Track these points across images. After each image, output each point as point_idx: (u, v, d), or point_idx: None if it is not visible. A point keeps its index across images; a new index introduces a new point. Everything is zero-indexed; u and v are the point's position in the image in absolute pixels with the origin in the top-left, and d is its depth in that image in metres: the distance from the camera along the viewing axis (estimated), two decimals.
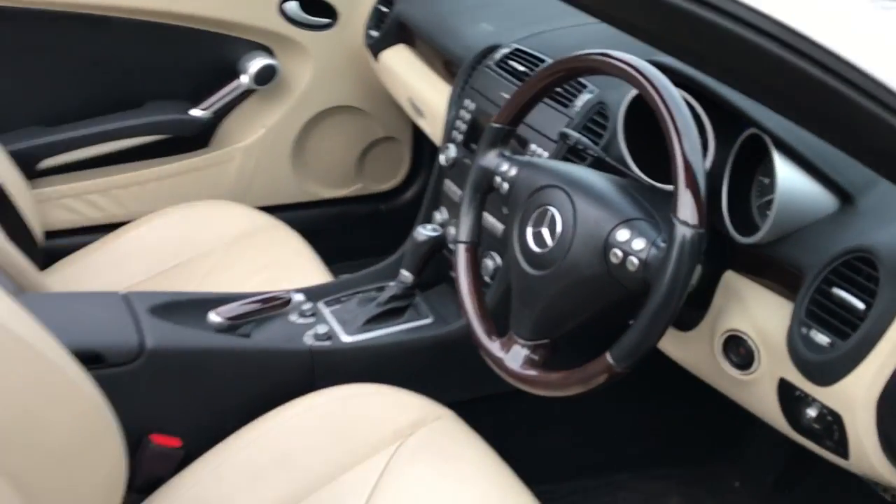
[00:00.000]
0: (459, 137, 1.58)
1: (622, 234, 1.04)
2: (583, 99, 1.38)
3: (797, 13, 0.80)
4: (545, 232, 1.12)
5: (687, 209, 0.98)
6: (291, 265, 1.77)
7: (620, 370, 1.02)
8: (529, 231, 1.14)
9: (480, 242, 1.26)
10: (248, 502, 1.26)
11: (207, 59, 1.96)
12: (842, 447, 1.05)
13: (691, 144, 0.99)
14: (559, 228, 1.10)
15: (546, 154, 1.39)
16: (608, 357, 1.02)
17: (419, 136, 2.16)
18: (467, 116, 1.57)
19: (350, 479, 1.27)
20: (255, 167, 2.08)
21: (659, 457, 1.66)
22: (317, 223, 2.12)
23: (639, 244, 1.03)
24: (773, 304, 1.10)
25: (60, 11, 1.80)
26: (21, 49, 1.80)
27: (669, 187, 1.11)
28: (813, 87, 0.79)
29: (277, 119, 2.06)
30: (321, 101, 2.07)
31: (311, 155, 2.15)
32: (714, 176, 1.16)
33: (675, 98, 1.02)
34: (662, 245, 1.01)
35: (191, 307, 1.41)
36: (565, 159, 1.35)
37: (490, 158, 1.23)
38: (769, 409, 1.13)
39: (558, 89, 1.39)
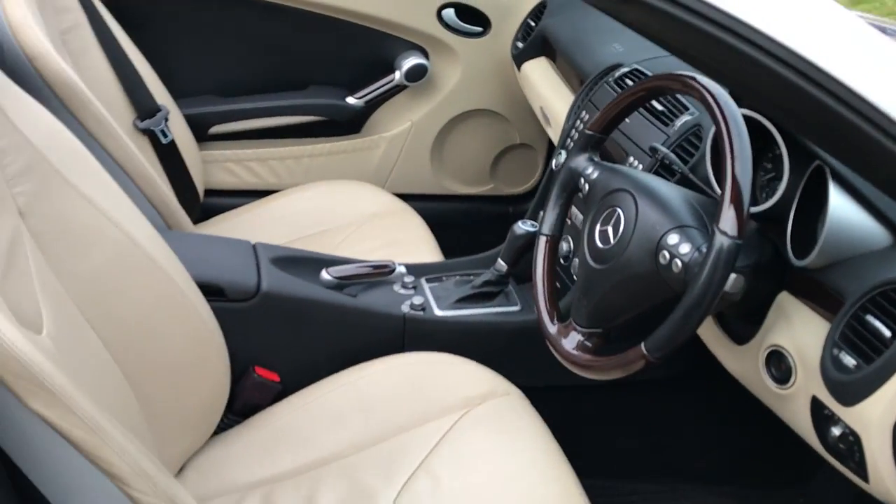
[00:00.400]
0: (571, 145, 1.71)
1: (672, 238, 1.14)
2: (682, 120, 1.48)
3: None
4: (610, 230, 1.24)
5: (728, 221, 1.07)
6: (411, 246, 1.94)
7: (653, 360, 1.12)
8: (597, 228, 1.26)
9: (561, 236, 1.39)
10: (327, 438, 1.43)
11: (367, 53, 2.17)
12: (862, 469, 1.11)
13: (743, 165, 1.09)
14: (621, 228, 1.21)
15: (641, 166, 1.50)
16: (643, 347, 1.13)
17: (553, 146, 2.29)
18: (580, 126, 1.70)
19: (416, 434, 1.42)
20: (397, 156, 2.27)
21: (726, 474, 1.72)
22: (446, 216, 2.28)
23: (684, 248, 1.13)
24: (814, 324, 1.16)
25: None
26: (206, 28, 2.06)
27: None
28: (844, 126, 0.88)
29: (423, 115, 2.24)
30: (465, 103, 2.25)
31: (449, 151, 2.32)
32: (785, 201, 1.24)
33: (738, 122, 1.11)
34: (704, 251, 1.10)
35: (308, 263, 1.60)
36: (656, 173, 1.45)
37: (579, 161, 1.36)
38: (803, 425, 1.20)
39: (661, 108, 1.50)
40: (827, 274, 1.16)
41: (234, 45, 2.10)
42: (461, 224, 2.34)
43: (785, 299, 1.24)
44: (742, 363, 1.31)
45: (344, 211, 2.08)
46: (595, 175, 1.31)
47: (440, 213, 2.26)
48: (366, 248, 1.89)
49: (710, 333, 1.38)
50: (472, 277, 1.66)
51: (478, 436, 1.41)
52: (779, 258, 1.24)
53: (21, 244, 1.10)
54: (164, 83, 2.00)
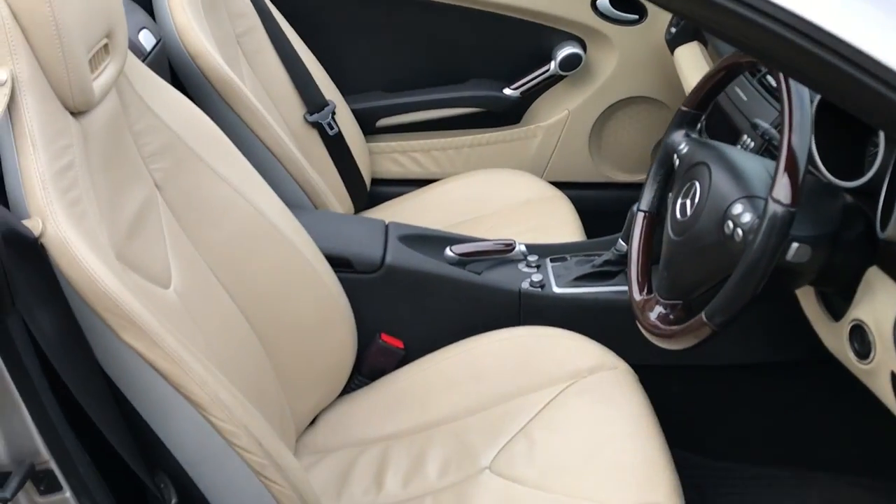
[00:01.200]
0: None
1: (737, 208, 1.16)
2: None
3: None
4: (688, 202, 1.26)
5: (782, 189, 1.08)
6: (555, 231, 2.02)
7: (715, 326, 1.14)
8: (679, 201, 1.29)
9: (659, 213, 1.42)
10: (441, 401, 1.55)
11: (524, 45, 2.26)
12: None
13: (800, 137, 1.09)
14: (696, 200, 1.24)
15: (753, 144, 1.49)
16: (703, 315, 1.15)
17: None
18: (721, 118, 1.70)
19: (523, 402, 1.50)
20: (554, 145, 2.35)
21: (858, 464, 1.65)
22: (601, 203, 2.32)
23: (746, 217, 1.14)
24: (895, 298, 1.13)
25: None
26: (371, 27, 2.24)
27: (838, 181, 1.20)
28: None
29: (580, 103, 2.30)
30: (622, 91, 2.28)
31: (607, 139, 2.36)
32: (879, 177, 1.21)
33: (801, 96, 1.11)
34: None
35: (435, 241, 1.73)
36: (766, 151, 1.45)
37: (675, 138, 1.39)
38: (888, 401, 1.17)
39: (776, 86, 1.48)
40: None
41: (399, 42, 2.26)
42: (618, 212, 2.37)
43: (873, 273, 1.20)
44: (834, 339, 1.28)
45: (499, 198, 2.19)
46: (685, 150, 1.34)
47: (596, 201, 2.30)
48: (511, 232, 1.98)
49: (812, 311, 1.36)
50: (594, 257, 1.71)
51: (579, 405, 1.47)
52: (871, 233, 1.21)
53: (154, 212, 1.30)
54: (333, 80, 2.20)
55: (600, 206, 2.26)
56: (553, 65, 2.25)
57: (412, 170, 2.37)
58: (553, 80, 2.29)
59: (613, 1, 2.19)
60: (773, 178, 1.09)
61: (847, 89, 0.85)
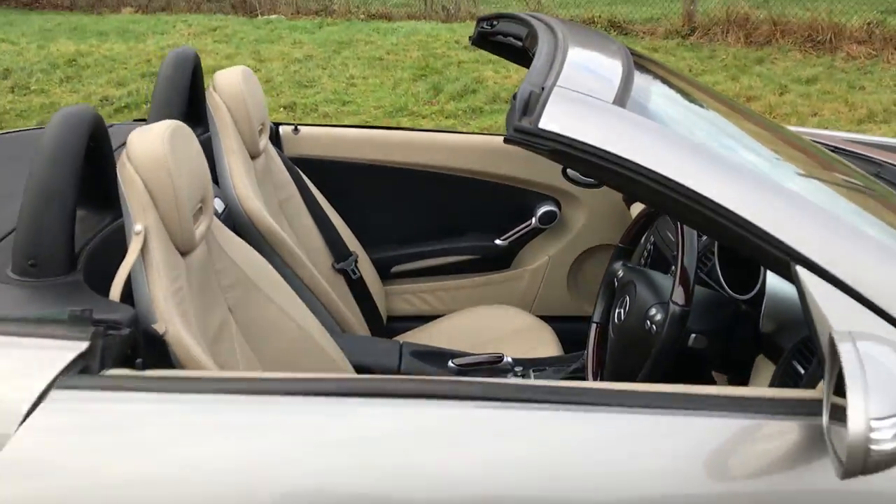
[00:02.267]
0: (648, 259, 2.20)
1: (653, 311, 1.62)
2: (703, 240, 1.95)
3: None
4: (622, 311, 1.72)
5: (679, 295, 1.54)
6: (541, 351, 2.46)
7: None
8: (616, 311, 1.75)
9: (608, 323, 1.87)
10: None
11: (510, 205, 2.78)
12: None
13: (689, 259, 1.56)
14: (627, 308, 1.70)
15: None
16: None
17: None
18: (651, 248, 2.18)
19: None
20: (539, 285, 2.83)
21: None
22: (580, 332, 2.76)
23: (658, 316, 1.60)
24: (768, 371, 1.58)
25: (414, 168, 2.74)
26: (386, 193, 2.77)
27: (735, 295, 1.67)
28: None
29: (558, 251, 2.80)
30: (592, 240, 2.78)
31: (582, 279, 2.84)
32: (761, 290, 1.68)
33: (691, 235, 1.59)
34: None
35: (439, 356, 2.18)
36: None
37: (614, 267, 1.87)
38: None
39: None
40: (776, 335, 1.58)
41: (408, 204, 2.78)
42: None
43: (760, 360, 1.66)
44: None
45: (494, 329, 2.64)
46: (621, 275, 1.81)
47: (574, 330, 2.75)
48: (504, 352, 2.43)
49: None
50: (568, 366, 2.16)
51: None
52: (758, 330, 1.66)
53: (229, 328, 1.76)
54: (355, 235, 2.70)
55: (578, 335, 2.70)
56: (534, 220, 2.76)
57: (421, 307, 2.84)
58: (535, 232, 2.80)
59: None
60: (672, 288, 1.55)
61: (715, 231, 1.31)
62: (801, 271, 1.26)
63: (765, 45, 8.49)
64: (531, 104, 1.33)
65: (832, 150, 2.22)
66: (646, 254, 2.10)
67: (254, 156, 2.30)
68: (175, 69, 2.22)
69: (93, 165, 1.59)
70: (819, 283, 1.25)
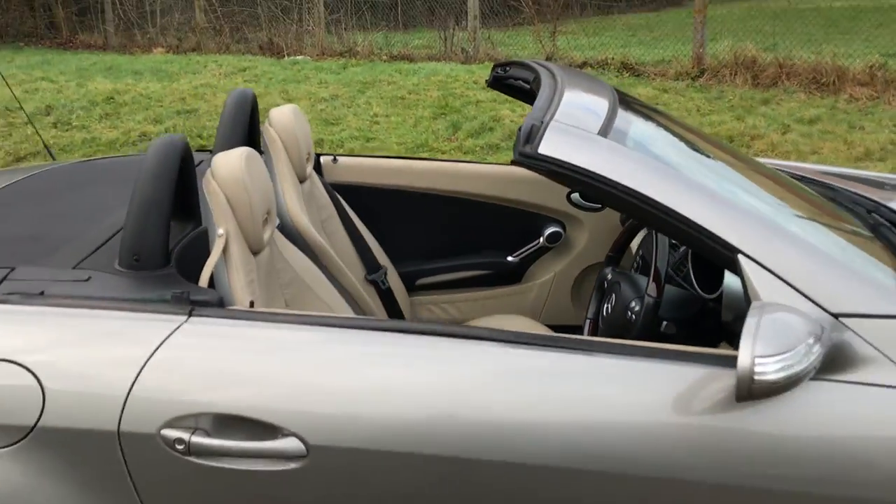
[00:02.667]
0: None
1: (633, 304, 2.00)
2: (681, 250, 2.33)
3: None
4: (609, 307, 2.11)
5: (652, 289, 1.92)
6: None
7: None
8: (605, 307, 2.13)
9: (598, 319, 2.25)
10: None
11: (521, 226, 3.17)
12: None
13: (661, 261, 1.94)
14: (613, 303, 2.08)
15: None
16: None
17: None
18: (639, 258, 2.56)
19: None
20: (546, 297, 3.21)
21: None
22: None
23: (636, 308, 1.98)
24: None
25: (436, 193, 3.14)
26: (411, 214, 3.16)
27: (703, 294, 2.04)
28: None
29: (563, 267, 3.18)
30: (593, 257, 3.16)
31: (585, 293, 3.22)
32: (725, 289, 2.06)
33: (663, 241, 1.98)
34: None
35: None
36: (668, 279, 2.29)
37: (605, 271, 2.25)
38: None
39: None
40: (733, 324, 1.96)
41: (431, 224, 3.17)
42: None
43: (723, 347, 2.03)
44: None
45: None
46: (609, 277, 2.20)
47: None
48: None
49: None
50: None
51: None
52: (719, 321, 2.04)
53: None
54: (385, 251, 3.10)
55: None
56: (542, 240, 3.15)
57: (442, 316, 3.23)
58: (542, 251, 3.19)
59: (583, 195, 3.11)
60: (647, 284, 1.93)
61: (677, 234, 1.70)
62: (743, 261, 1.65)
63: (771, 87, 8.90)
64: (533, 134, 1.73)
65: (795, 177, 2.61)
66: (635, 263, 2.48)
67: (301, 180, 2.70)
68: (236, 106, 2.63)
69: (182, 182, 1.99)
70: (756, 270, 1.64)
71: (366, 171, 3.13)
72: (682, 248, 2.30)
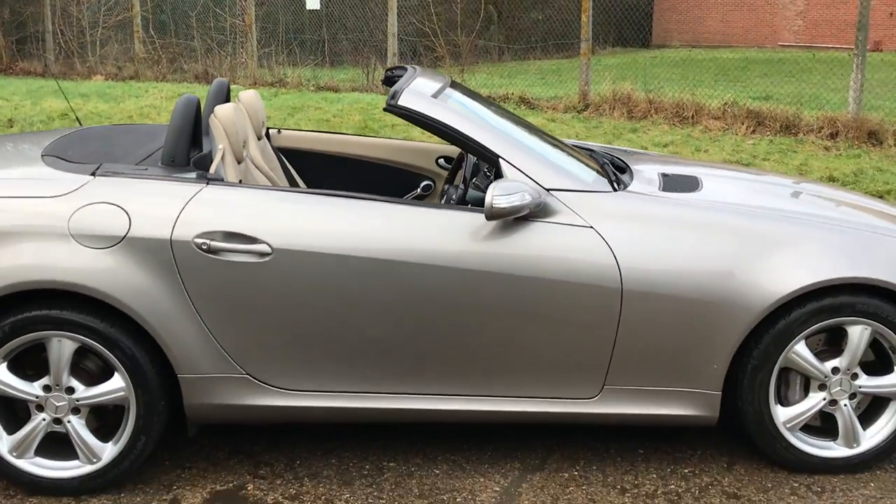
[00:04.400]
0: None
1: (452, 193, 3.63)
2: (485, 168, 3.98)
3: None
4: (445, 198, 3.74)
5: (462, 188, 3.57)
6: None
7: None
8: (443, 199, 3.76)
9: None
10: None
11: (407, 180, 4.76)
12: None
13: (468, 170, 3.59)
14: (445, 197, 3.72)
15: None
16: None
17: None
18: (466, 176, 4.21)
19: None
20: None
21: None
22: None
23: (454, 195, 3.62)
24: None
25: (350, 157, 4.73)
26: (335, 171, 4.74)
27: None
28: None
29: None
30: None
31: None
32: None
33: (471, 158, 3.63)
34: None
35: None
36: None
37: (445, 185, 3.89)
38: None
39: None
40: None
41: (344, 177, 4.70)
42: None
43: None
44: None
45: None
46: (446, 187, 3.83)
47: None
48: None
49: None
50: None
51: None
52: None
53: None
54: None
55: None
56: (419, 189, 4.75)
57: None
58: (420, 197, 4.80)
59: (447, 160, 4.73)
60: (461, 186, 3.58)
61: (467, 150, 3.36)
62: (502, 162, 3.30)
63: (642, 119, 10.79)
64: (396, 95, 3.37)
65: (586, 147, 4.31)
66: (465, 177, 4.05)
67: (239, 161, 4.21)
68: (186, 104, 4.09)
69: (195, 122, 3.55)
70: (507, 166, 3.29)
71: (301, 140, 4.73)
72: (476, 165, 3.92)
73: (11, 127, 10.15)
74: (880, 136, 9.53)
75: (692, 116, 10.58)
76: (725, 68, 19.51)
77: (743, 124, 10.18)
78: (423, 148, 4.78)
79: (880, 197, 7.38)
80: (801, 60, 18.46)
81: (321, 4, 15.08)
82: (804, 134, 9.87)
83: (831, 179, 8.00)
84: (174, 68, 15.59)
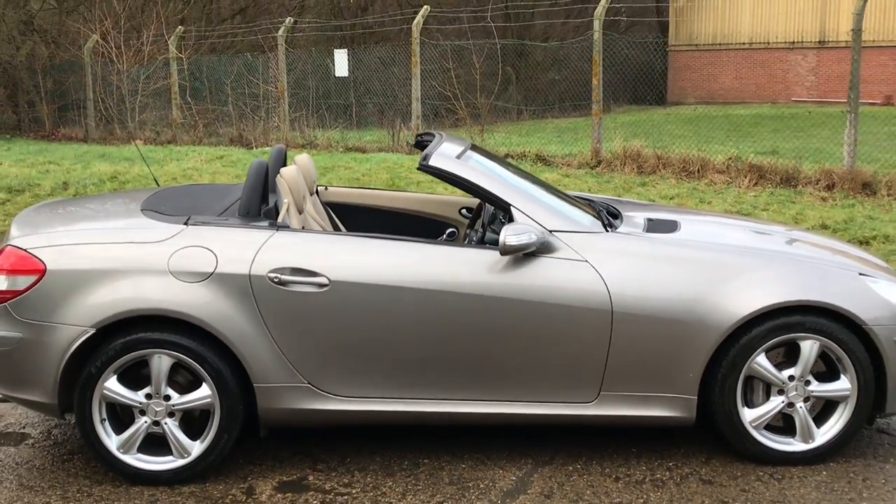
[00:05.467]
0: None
1: (473, 235, 4.48)
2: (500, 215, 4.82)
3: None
4: (466, 241, 4.58)
5: (480, 232, 4.42)
6: None
7: None
8: (465, 241, 4.61)
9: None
10: None
11: (434, 228, 5.60)
12: None
13: (485, 217, 4.44)
14: (467, 238, 4.56)
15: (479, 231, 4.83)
16: None
17: None
18: (485, 221, 5.05)
19: None
20: None
21: None
22: None
23: (474, 237, 4.47)
24: None
25: (387, 209, 5.59)
26: (373, 219, 5.59)
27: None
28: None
29: None
30: None
31: None
32: None
33: (489, 207, 4.49)
34: None
35: None
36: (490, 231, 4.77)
37: (467, 230, 4.73)
38: None
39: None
40: None
41: (382, 226, 5.57)
42: None
43: None
44: None
45: None
46: (468, 231, 4.67)
47: None
48: None
49: None
50: None
51: None
52: None
53: None
54: None
55: None
56: (444, 236, 5.59)
57: None
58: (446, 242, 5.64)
59: (468, 210, 5.58)
60: (483, 231, 4.42)
61: (489, 201, 4.21)
62: (512, 209, 4.14)
63: (651, 174, 11.64)
64: (427, 157, 4.24)
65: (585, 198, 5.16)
66: (483, 223, 4.88)
67: (300, 212, 5.07)
68: (258, 168, 5.00)
69: (265, 181, 4.41)
70: (517, 213, 4.13)
71: (344, 195, 5.60)
72: (493, 213, 4.74)
73: (67, 189, 11.12)
74: (874, 187, 10.32)
75: (698, 171, 11.42)
76: (737, 124, 20.44)
77: (746, 177, 11.01)
78: (447, 200, 5.64)
79: (866, 242, 8.17)
80: (811, 116, 19.33)
81: (348, 71, 16.15)
82: (803, 186, 10.68)
83: (824, 227, 8.79)
84: (210, 132, 16.66)
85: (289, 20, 15.96)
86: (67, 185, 11.35)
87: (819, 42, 25.88)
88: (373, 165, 12.46)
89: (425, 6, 14.07)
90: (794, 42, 26.28)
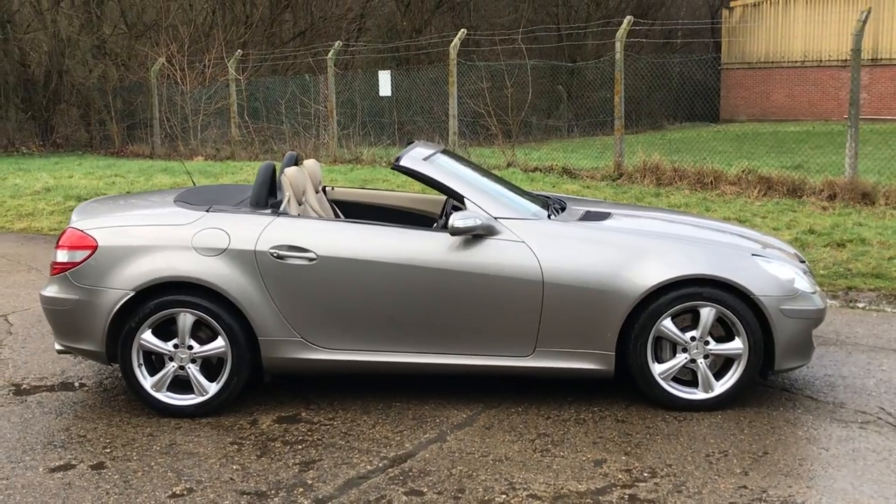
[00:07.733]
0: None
1: (441, 222, 5.61)
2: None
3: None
4: (436, 226, 5.73)
5: (444, 221, 5.55)
6: None
7: None
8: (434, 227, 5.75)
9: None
10: None
11: (423, 219, 6.75)
12: None
13: (448, 207, 5.58)
14: (438, 226, 5.71)
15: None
16: None
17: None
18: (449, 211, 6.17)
19: None
20: None
21: None
22: None
23: (442, 223, 5.60)
24: None
25: (382, 205, 6.76)
26: (370, 214, 6.75)
27: None
28: None
29: None
30: None
31: None
32: None
33: (450, 200, 5.64)
34: None
35: None
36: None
37: (439, 221, 5.88)
38: None
39: None
40: None
41: (378, 218, 6.73)
42: None
43: None
44: None
45: None
46: (441, 220, 5.81)
47: None
48: None
49: None
50: None
51: None
52: None
53: None
54: None
55: None
56: (434, 226, 6.73)
57: None
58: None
59: (455, 208, 6.71)
60: (445, 218, 5.56)
61: (450, 195, 5.36)
62: (466, 200, 5.27)
63: (667, 185, 12.62)
64: (399, 158, 5.41)
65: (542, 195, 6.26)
66: (446, 212, 5.96)
67: (299, 203, 6.23)
68: (266, 168, 6.20)
69: (271, 179, 5.60)
70: (469, 203, 5.26)
71: (348, 194, 6.79)
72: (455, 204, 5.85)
73: None
74: (873, 197, 11.17)
75: (711, 182, 12.38)
76: (782, 141, 21.22)
77: (755, 189, 11.93)
78: (435, 199, 6.78)
79: (842, 244, 9.09)
80: (860, 133, 20.02)
81: (391, 90, 17.45)
82: (807, 196, 11.56)
83: (811, 232, 9.71)
84: (265, 149, 18.10)
85: (338, 44, 17.32)
86: (129, 194, 12.77)
87: (872, 60, 26.43)
88: (407, 178, 13.63)
89: (462, 29, 15.28)
90: (846, 60, 26.85)
